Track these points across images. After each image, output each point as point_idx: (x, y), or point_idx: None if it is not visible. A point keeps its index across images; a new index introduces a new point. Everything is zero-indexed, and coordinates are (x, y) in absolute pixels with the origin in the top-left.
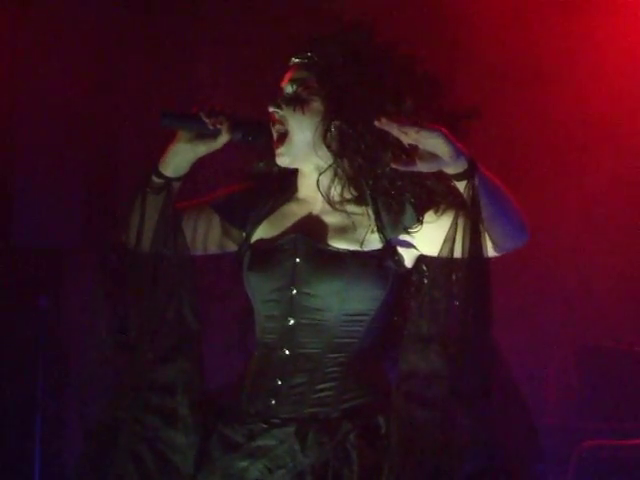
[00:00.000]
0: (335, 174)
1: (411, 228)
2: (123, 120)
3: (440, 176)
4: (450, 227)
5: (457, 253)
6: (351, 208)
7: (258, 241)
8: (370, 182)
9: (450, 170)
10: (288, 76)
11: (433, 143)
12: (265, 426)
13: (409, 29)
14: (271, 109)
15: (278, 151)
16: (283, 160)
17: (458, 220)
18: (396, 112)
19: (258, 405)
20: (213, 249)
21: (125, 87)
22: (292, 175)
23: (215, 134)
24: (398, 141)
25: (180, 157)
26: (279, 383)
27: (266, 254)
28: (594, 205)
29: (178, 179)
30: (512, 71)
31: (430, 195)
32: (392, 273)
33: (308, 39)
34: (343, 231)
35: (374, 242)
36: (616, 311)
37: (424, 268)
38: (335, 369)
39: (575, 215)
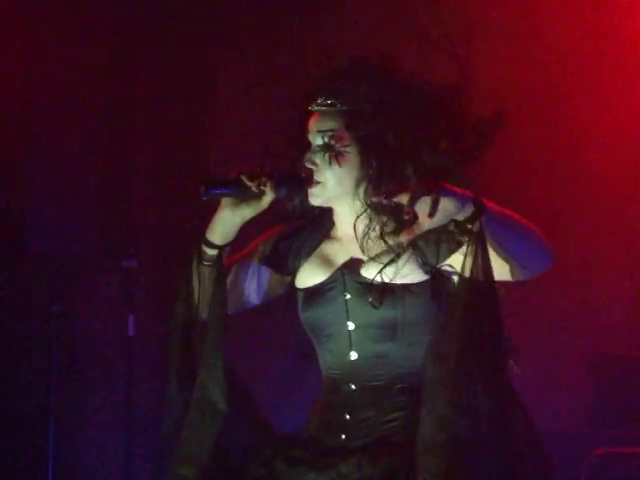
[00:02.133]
0: (370, 217)
1: (448, 259)
2: (140, 128)
3: None
4: (466, 257)
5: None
6: (390, 242)
7: (305, 283)
8: (399, 227)
9: (459, 217)
10: (314, 126)
11: (431, 200)
12: (335, 457)
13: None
14: (308, 165)
15: (313, 190)
16: (316, 200)
17: (472, 252)
18: (432, 155)
19: (328, 441)
20: (257, 301)
21: (142, 95)
22: (327, 213)
23: (259, 195)
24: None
25: (228, 224)
26: (347, 417)
27: (316, 294)
28: (614, 212)
29: (227, 245)
30: (529, 78)
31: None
32: (444, 300)
33: (328, 82)
34: (385, 265)
35: (420, 273)
36: (630, 319)
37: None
38: (402, 398)
39: (592, 222)
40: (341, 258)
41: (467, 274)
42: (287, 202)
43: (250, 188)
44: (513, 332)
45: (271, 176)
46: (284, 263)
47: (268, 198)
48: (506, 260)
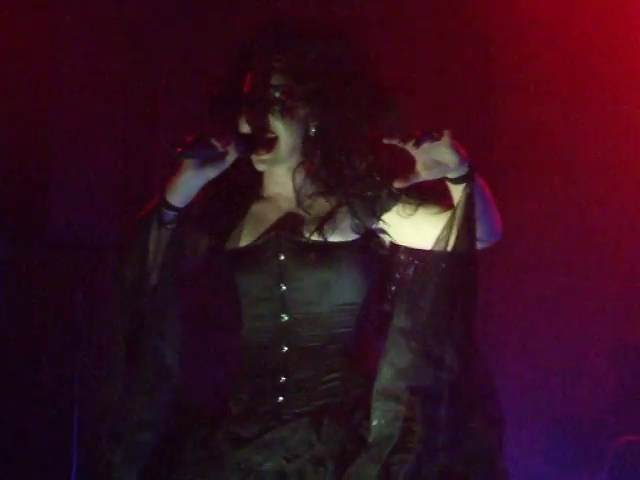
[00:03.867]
0: (307, 171)
1: (384, 216)
2: (162, 118)
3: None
4: (445, 225)
5: (448, 248)
6: (324, 201)
7: (236, 245)
8: (343, 182)
9: (451, 175)
10: (262, 80)
11: (440, 152)
12: (277, 422)
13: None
14: (260, 117)
15: (264, 157)
16: (264, 166)
17: (452, 218)
18: (380, 119)
19: (265, 404)
20: (194, 263)
21: (162, 84)
22: (252, 173)
23: (223, 155)
24: (395, 156)
25: (191, 185)
26: (283, 379)
27: (248, 256)
28: (629, 201)
29: (185, 208)
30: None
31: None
32: (376, 260)
33: (274, 39)
34: (320, 224)
35: (352, 231)
36: None
37: (408, 257)
38: (337, 359)
39: (611, 212)
40: (274, 217)
41: (451, 241)
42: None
43: (217, 148)
44: (539, 321)
45: (235, 135)
46: (216, 225)
47: (231, 157)
48: None
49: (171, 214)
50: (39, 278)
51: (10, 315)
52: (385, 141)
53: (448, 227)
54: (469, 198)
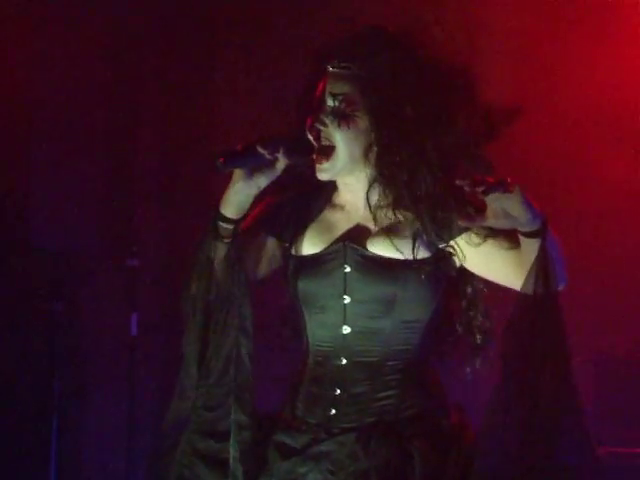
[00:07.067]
0: (379, 183)
1: (453, 240)
2: (141, 125)
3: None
4: (527, 274)
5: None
6: (397, 215)
7: (304, 251)
8: (412, 198)
9: (522, 229)
10: (327, 88)
11: (511, 205)
12: (326, 436)
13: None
14: (317, 125)
15: (322, 166)
16: (325, 175)
17: (531, 269)
18: (451, 133)
19: (317, 415)
20: (266, 273)
21: (145, 93)
22: (328, 182)
23: (272, 162)
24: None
25: (243, 195)
26: (338, 392)
27: (314, 263)
28: (612, 212)
29: (242, 219)
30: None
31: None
32: (443, 280)
33: (345, 46)
34: (390, 239)
35: (422, 250)
36: (632, 319)
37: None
38: (394, 377)
39: (590, 223)
40: (344, 227)
41: (530, 290)
42: (298, 167)
43: (264, 156)
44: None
45: (283, 142)
46: (286, 231)
47: (281, 164)
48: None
49: (226, 227)
50: (18, 288)
51: None
52: (457, 183)
53: (530, 275)
54: (543, 256)
